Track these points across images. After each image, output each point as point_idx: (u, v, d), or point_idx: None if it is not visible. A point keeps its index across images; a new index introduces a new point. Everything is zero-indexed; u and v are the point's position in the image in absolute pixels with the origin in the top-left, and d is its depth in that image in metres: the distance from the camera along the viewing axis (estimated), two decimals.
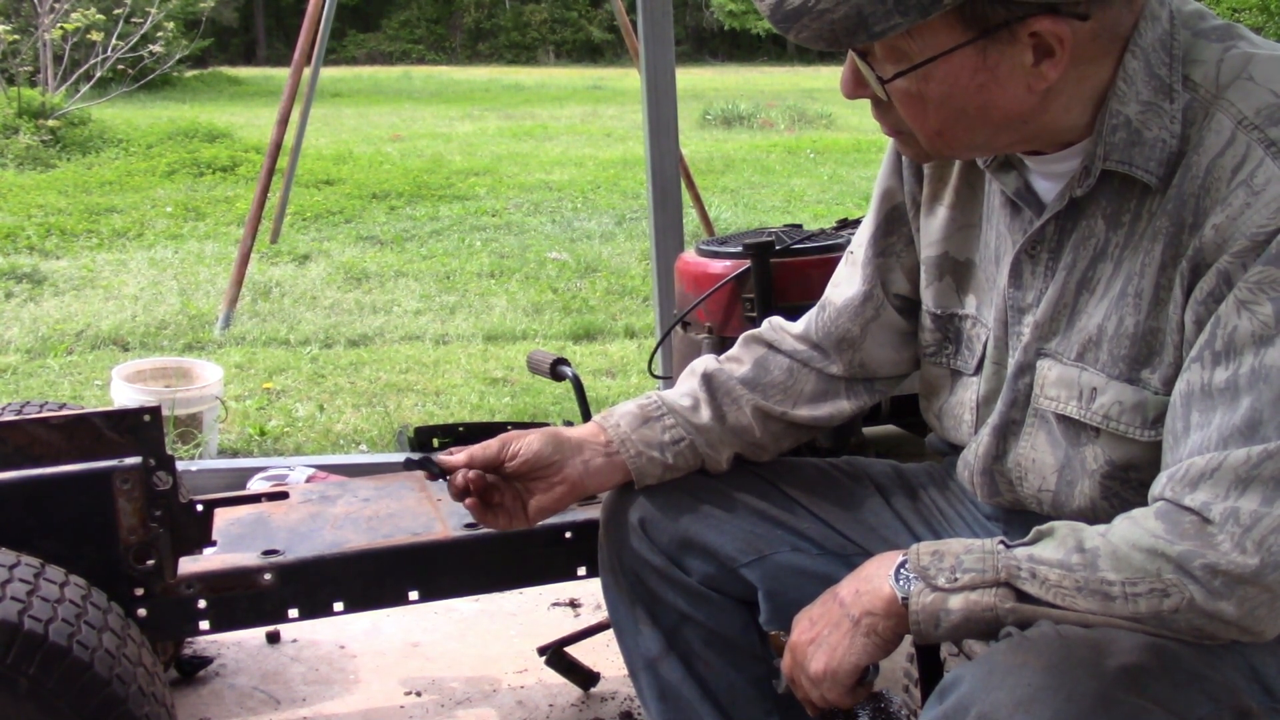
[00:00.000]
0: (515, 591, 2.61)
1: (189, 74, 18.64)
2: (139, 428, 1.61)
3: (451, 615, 2.56)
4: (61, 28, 10.53)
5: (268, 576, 1.69)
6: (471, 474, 1.46)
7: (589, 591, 2.62)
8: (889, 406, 2.07)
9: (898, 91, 1.16)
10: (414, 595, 1.77)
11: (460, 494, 1.47)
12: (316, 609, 1.74)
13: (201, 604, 1.66)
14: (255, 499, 1.75)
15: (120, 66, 11.18)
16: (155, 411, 1.62)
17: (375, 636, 2.47)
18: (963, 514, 1.53)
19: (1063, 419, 1.27)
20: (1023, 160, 1.28)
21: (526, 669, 2.34)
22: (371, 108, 16.43)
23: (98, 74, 11.11)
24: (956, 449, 1.46)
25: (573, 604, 2.62)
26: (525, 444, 1.46)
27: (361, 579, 1.74)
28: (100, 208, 8.42)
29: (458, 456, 1.47)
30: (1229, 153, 1.11)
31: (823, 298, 1.56)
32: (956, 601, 1.14)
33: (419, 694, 2.26)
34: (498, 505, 1.49)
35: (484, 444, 1.47)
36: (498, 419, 4.34)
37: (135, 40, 11.01)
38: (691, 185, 5.48)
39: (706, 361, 1.56)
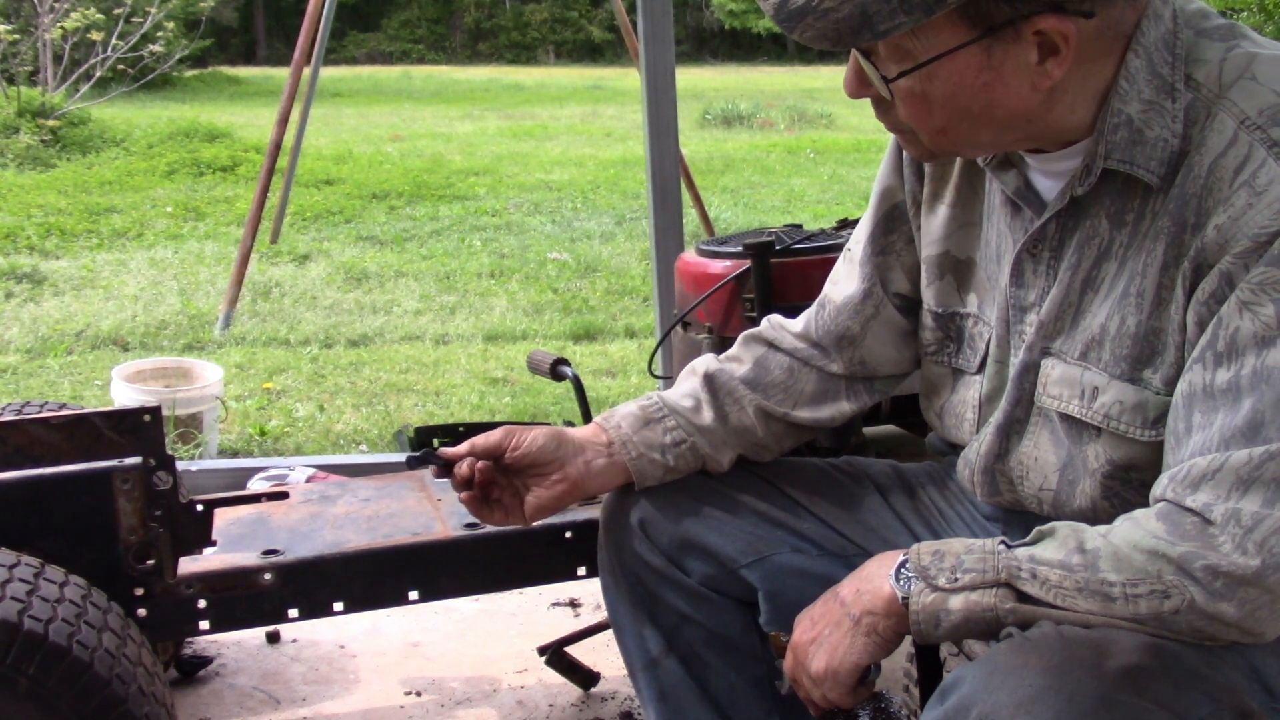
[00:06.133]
0: (515, 591, 2.61)
1: (189, 74, 18.62)
2: (139, 428, 1.61)
3: (451, 615, 2.56)
4: (61, 27, 10.53)
5: (268, 576, 1.69)
6: (479, 464, 1.45)
7: (589, 591, 2.62)
8: (889, 406, 2.07)
9: (902, 91, 1.16)
10: (414, 595, 1.77)
11: (464, 484, 1.47)
12: (316, 609, 1.73)
13: (201, 604, 1.66)
14: (255, 499, 1.75)
15: (120, 66, 11.18)
16: (155, 411, 1.62)
17: (375, 636, 2.47)
18: (962, 514, 1.53)
19: (1065, 418, 1.27)
20: (1023, 158, 1.28)
21: (526, 669, 2.34)
22: (371, 108, 16.42)
23: (98, 74, 11.11)
24: (957, 448, 1.46)
25: (573, 604, 2.62)
26: (529, 438, 1.46)
27: (361, 579, 1.74)
28: (100, 208, 8.42)
29: (460, 447, 1.47)
30: (1231, 153, 1.11)
31: (821, 295, 1.56)
32: (957, 602, 1.14)
33: (419, 694, 2.26)
34: (495, 501, 1.49)
35: (486, 434, 1.47)
36: (498, 419, 4.34)
37: (135, 40, 11.01)
38: (691, 185, 5.48)
39: (707, 361, 1.55)
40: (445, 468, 1.48)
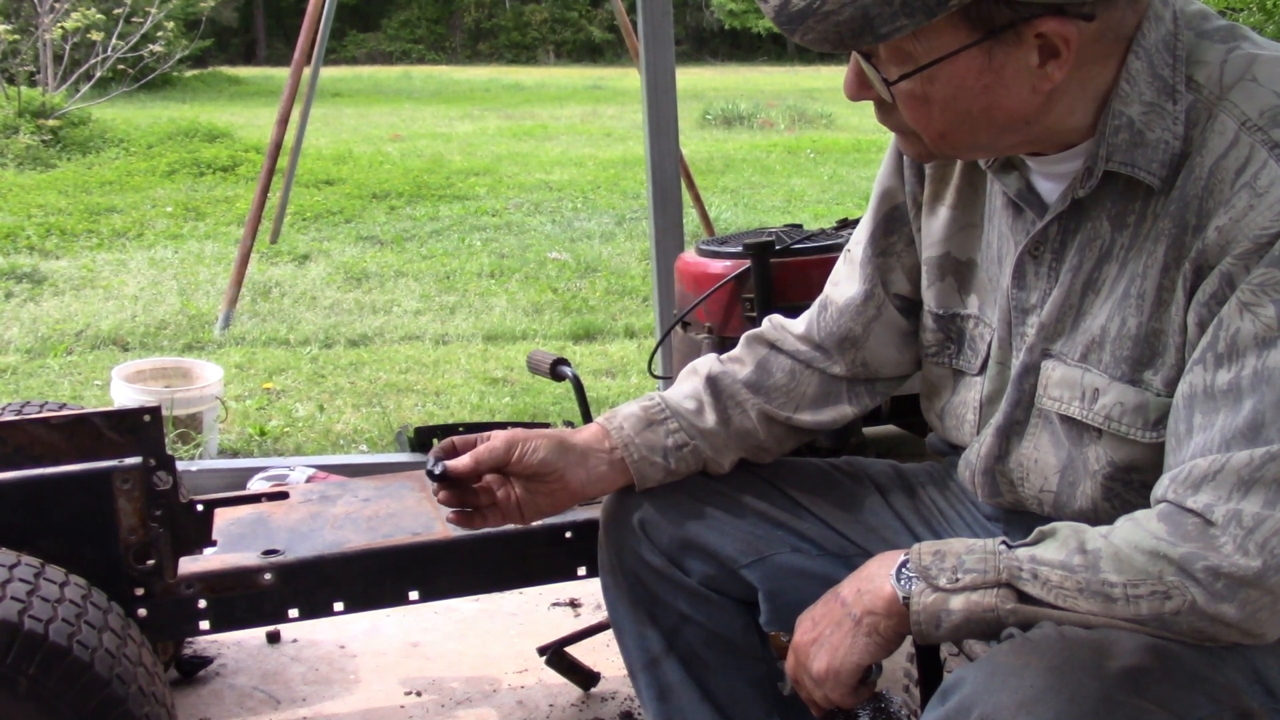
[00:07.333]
0: (515, 591, 2.61)
1: (189, 74, 18.62)
2: (139, 428, 1.61)
3: (451, 615, 2.56)
4: (61, 28, 10.53)
5: (268, 576, 1.69)
6: (486, 479, 1.47)
7: (589, 591, 2.62)
8: (889, 407, 2.07)
9: (902, 93, 1.16)
10: (414, 595, 1.77)
11: (446, 503, 1.48)
12: (316, 609, 1.74)
13: (201, 604, 1.66)
14: (255, 499, 1.75)
15: (120, 66, 11.18)
16: (155, 411, 1.62)
17: (375, 636, 2.47)
18: (963, 514, 1.53)
19: (1066, 419, 1.27)
20: (1025, 161, 1.28)
21: (526, 669, 2.34)
22: (371, 108, 16.42)
23: (98, 74, 11.11)
24: (957, 449, 1.46)
25: (573, 604, 2.62)
26: (532, 449, 1.45)
27: (361, 579, 1.74)
28: (100, 208, 8.42)
29: (463, 460, 1.46)
30: (1232, 154, 1.11)
31: (822, 296, 1.55)
32: (958, 602, 1.14)
33: (419, 694, 2.26)
34: (490, 506, 1.49)
35: (490, 445, 1.46)
36: (498, 419, 4.34)
37: (135, 40, 11.01)
38: (691, 185, 5.48)
39: (709, 362, 1.55)
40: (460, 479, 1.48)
